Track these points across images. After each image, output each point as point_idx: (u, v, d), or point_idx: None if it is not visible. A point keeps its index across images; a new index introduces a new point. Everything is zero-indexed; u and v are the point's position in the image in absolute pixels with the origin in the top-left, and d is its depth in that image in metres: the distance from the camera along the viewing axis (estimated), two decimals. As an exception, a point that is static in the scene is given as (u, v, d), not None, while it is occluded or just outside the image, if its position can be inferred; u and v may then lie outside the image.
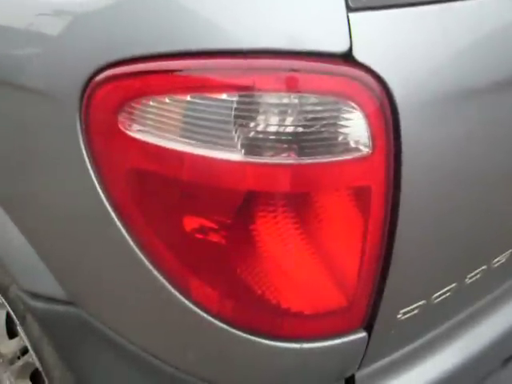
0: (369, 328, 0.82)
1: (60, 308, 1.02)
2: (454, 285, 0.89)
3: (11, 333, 1.39)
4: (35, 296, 1.05)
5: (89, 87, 0.77)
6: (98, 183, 0.80)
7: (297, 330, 0.78)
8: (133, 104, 0.73)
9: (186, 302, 0.79)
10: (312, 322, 0.78)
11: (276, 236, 0.72)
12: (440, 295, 0.88)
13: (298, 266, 0.74)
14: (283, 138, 0.67)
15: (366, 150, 0.68)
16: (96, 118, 0.78)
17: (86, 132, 0.79)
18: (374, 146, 0.68)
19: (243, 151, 0.69)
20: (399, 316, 0.85)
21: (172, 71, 0.71)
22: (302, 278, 0.75)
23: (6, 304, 1.24)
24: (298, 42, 0.66)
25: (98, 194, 0.80)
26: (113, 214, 0.80)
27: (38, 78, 0.84)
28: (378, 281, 0.77)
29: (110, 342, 0.96)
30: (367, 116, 0.67)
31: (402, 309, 0.85)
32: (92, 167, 0.80)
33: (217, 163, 0.70)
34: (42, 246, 1.00)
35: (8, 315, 1.37)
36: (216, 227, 0.74)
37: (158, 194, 0.75)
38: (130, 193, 0.77)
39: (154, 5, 0.71)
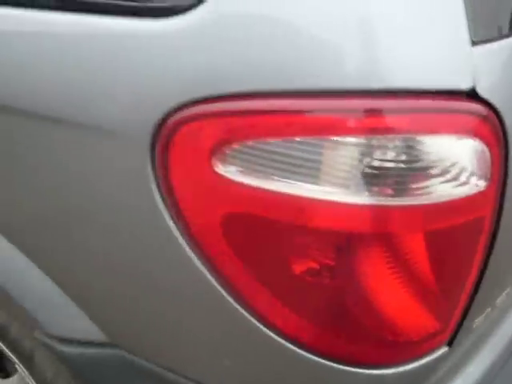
0: (450, 342, 0.84)
1: (95, 351, 0.95)
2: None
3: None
4: (65, 341, 0.97)
5: (166, 126, 0.70)
6: (179, 229, 0.74)
7: (401, 355, 0.79)
8: (233, 145, 0.68)
9: (279, 338, 0.77)
10: (414, 347, 0.79)
11: (384, 275, 0.71)
12: (499, 299, 0.92)
13: (406, 300, 0.74)
14: (408, 179, 0.65)
15: (485, 184, 0.68)
16: (180, 160, 0.71)
17: (163, 175, 0.72)
18: (491, 179, 0.69)
19: (364, 193, 0.66)
20: (474, 326, 0.88)
21: (288, 111, 0.66)
22: (409, 310, 0.75)
23: (3, 346, 1.14)
24: (425, 81, 0.64)
25: (176, 239, 0.74)
26: (195, 261, 0.74)
27: (101, 116, 0.75)
28: (469, 301, 0.79)
29: (156, 378, 0.92)
30: (490, 150, 0.67)
31: (477, 318, 0.88)
32: (170, 213, 0.73)
33: (331, 205, 0.67)
34: (83, 295, 0.92)
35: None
36: (319, 267, 0.71)
37: (260, 237, 0.71)
38: (226, 238, 0.72)
39: (268, 37, 0.65)
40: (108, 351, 0.94)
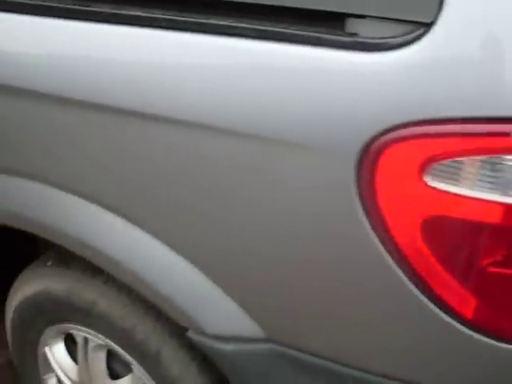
0: None
1: (251, 347, 1.03)
2: None
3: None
4: (222, 339, 1.04)
5: (376, 145, 0.79)
6: (379, 236, 0.83)
7: None
8: (445, 162, 0.77)
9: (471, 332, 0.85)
10: None
11: None
12: None
13: None
14: None
15: None
16: (387, 176, 0.80)
17: (369, 190, 0.81)
18: None
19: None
20: None
21: (489, 133, 0.76)
22: None
23: (120, 348, 1.20)
24: None
25: (376, 245, 0.83)
26: (399, 272, 0.84)
27: (305, 133, 0.83)
28: None
29: (310, 367, 1.00)
30: None
31: None
32: (372, 223, 0.82)
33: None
34: (245, 293, 0.99)
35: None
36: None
37: (459, 240, 0.81)
38: (429, 245, 0.81)
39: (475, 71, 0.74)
40: (262, 346, 1.02)
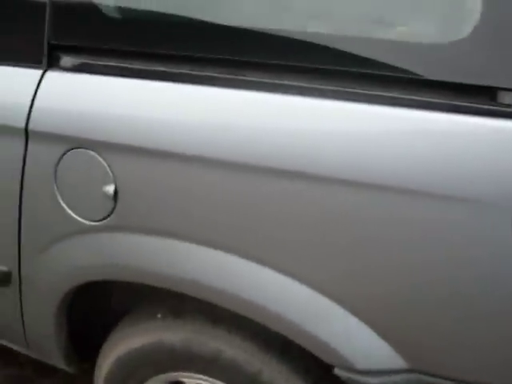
0: None
1: (395, 378, 1.15)
2: None
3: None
4: (369, 373, 1.15)
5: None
6: None
7: None
8: None
9: None
10: None
11: None
12: None
13: None
14: None
15: None
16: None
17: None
18: None
19: None
20: None
21: None
22: None
23: None
24: None
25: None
26: None
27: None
28: None
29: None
30: None
31: None
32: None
33: None
34: (393, 329, 1.11)
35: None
36: None
37: None
38: None
39: None
40: (406, 377, 1.14)
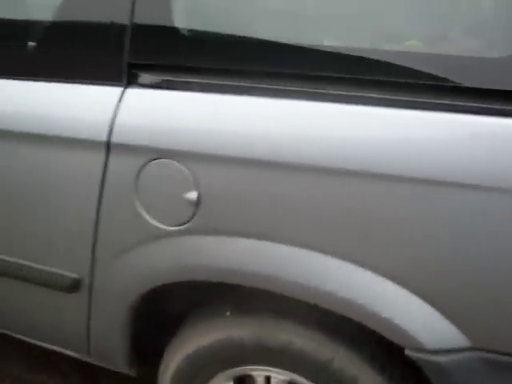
0: None
1: (462, 355, 1.28)
2: None
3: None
4: (438, 352, 1.28)
5: None
6: None
7: None
8: None
9: None
10: None
11: None
12: None
13: None
14: None
15: None
16: None
17: None
18: None
19: None
20: None
21: None
22: None
23: (307, 379, 1.40)
24: None
25: None
26: None
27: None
28: None
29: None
30: None
31: None
32: None
33: None
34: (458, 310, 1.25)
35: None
36: None
37: None
38: None
39: None
40: (469, 355, 1.27)
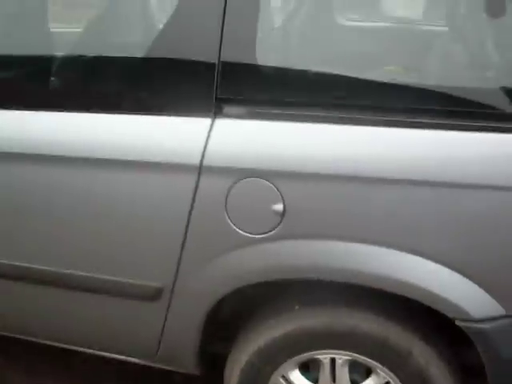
0: None
1: (501, 322, 1.60)
2: None
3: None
4: (481, 321, 1.61)
5: None
6: None
7: None
8: None
9: None
10: None
11: None
12: None
13: None
14: None
15: None
16: None
17: None
18: None
19: None
20: None
21: None
22: None
23: (367, 357, 1.69)
24: None
25: None
26: None
27: None
28: None
29: None
30: None
31: None
32: None
33: None
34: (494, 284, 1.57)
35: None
36: None
37: None
38: None
39: None
40: (506, 321, 1.60)
